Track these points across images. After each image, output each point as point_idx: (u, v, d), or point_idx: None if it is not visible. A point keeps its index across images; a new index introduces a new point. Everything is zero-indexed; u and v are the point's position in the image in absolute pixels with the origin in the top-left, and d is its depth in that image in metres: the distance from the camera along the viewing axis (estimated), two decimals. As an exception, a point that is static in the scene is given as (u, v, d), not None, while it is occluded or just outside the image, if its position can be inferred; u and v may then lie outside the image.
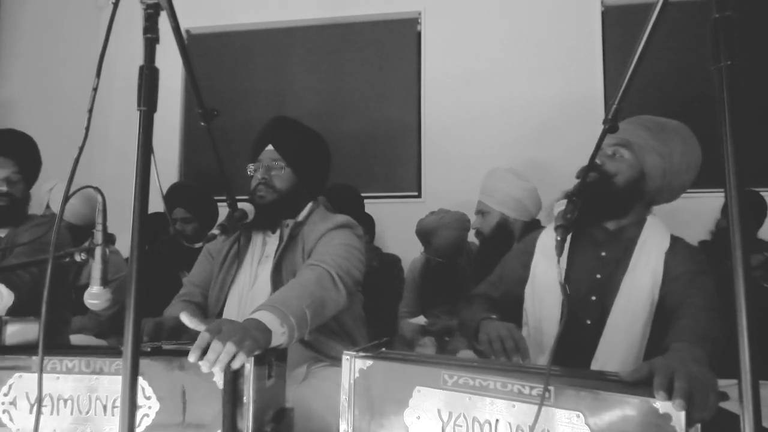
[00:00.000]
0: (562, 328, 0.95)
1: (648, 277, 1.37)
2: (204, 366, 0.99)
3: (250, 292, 1.59)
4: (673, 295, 1.34)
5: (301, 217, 1.67)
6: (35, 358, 1.06)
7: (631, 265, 1.40)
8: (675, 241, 1.44)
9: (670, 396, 0.77)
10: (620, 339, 1.34)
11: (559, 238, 1.18)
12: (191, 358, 0.99)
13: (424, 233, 2.74)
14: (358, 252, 1.58)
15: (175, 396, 1.02)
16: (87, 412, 1.04)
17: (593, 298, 1.42)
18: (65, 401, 1.04)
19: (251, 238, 1.68)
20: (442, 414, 0.93)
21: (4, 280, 1.67)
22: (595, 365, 1.33)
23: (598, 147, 1.16)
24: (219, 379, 1.01)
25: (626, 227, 1.48)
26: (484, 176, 2.49)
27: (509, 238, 2.31)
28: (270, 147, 1.66)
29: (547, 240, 1.56)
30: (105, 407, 1.04)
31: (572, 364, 1.11)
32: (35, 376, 1.04)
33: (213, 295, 1.65)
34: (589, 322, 1.40)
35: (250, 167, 1.67)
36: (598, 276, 1.43)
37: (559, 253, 1.15)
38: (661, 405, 0.78)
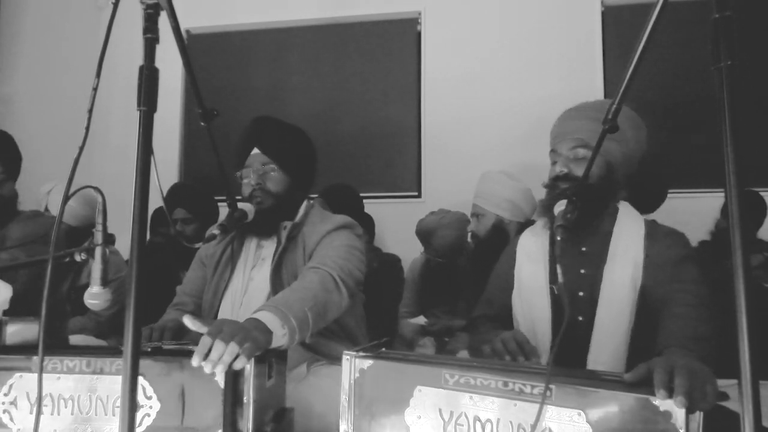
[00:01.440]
0: (565, 327, 0.95)
1: (629, 267, 1.37)
2: (207, 366, 0.99)
3: (244, 296, 1.58)
4: (659, 286, 1.33)
5: (297, 217, 1.66)
6: (35, 358, 1.06)
7: (610, 256, 1.40)
8: (650, 226, 1.44)
9: (670, 394, 0.77)
10: (609, 332, 1.34)
11: (559, 238, 1.18)
12: (194, 362, 0.99)
13: (424, 233, 2.74)
14: (358, 252, 1.58)
15: (179, 395, 1.02)
16: (88, 412, 1.04)
17: (581, 294, 1.41)
18: (66, 401, 1.04)
19: (244, 243, 1.67)
20: (443, 413, 0.93)
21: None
22: (590, 360, 1.33)
23: (598, 147, 1.16)
24: (221, 379, 1.01)
25: (602, 220, 1.47)
26: (478, 180, 2.49)
27: (504, 240, 2.32)
28: (256, 150, 1.62)
29: (526, 243, 1.56)
30: (106, 407, 1.04)
31: (569, 362, 1.11)
32: (35, 376, 1.04)
33: (207, 300, 1.64)
34: (581, 318, 1.39)
35: (239, 174, 1.64)
36: (583, 271, 1.43)
37: (559, 253, 1.15)
38: (661, 402, 0.78)
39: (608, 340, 1.34)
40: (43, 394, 1.04)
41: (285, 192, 1.63)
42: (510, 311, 1.52)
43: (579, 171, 1.42)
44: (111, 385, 1.04)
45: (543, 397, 0.84)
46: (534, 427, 0.84)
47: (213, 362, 0.99)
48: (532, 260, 1.50)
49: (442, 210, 2.76)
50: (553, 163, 1.49)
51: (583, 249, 1.45)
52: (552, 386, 0.85)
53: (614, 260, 1.39)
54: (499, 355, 1.21)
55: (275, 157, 1.62)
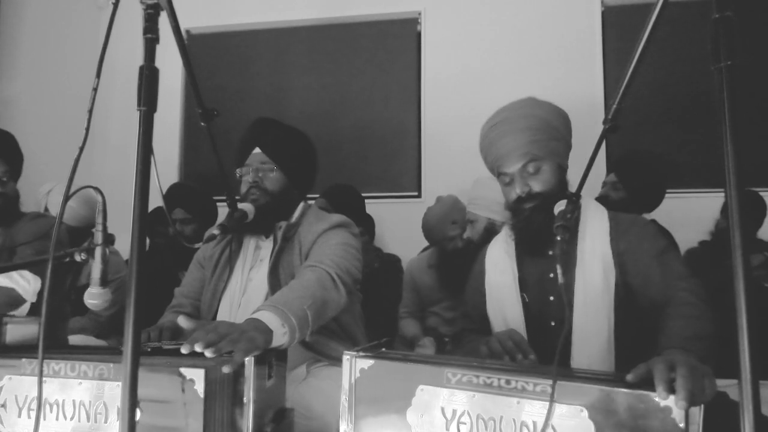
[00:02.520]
0: (566, 329, 0.95)
1: (599, 266, 1.35)
2: (198, 347, 0.97)
3: (243, 297, 1.59)
4: (650, 285, 1.31)
5: (293, 218, 1.66)
6: (25, 360, 1.05)
7: (579, 257, 1.38)
8: (614, 217, 1.42)
9: (671, 392, 0.78)
10: (590, 335, 1.32)
11: (559, 238, 1.18)
12: (184, 349, 0.98)
13: (437, 222, 2.66)
14: (355, 251, 1.58)
15: (160, 401, 0.99)
16: (71, 418, 1.02)
17: (551, 298, 1.40)
18: (51, 406, 1.03)
19: (242, 244, 1.67)
20: (445, 412, 0.93)
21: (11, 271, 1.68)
22: (574, 364, 1.32)
23: (598, 148, 1.16)
24: (200, 388, 0.98)
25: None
26: (470, 187, 2.49)
27: None
28: (257, 150, 1.64)
29: (492, 253, 1.55)
30: (89, 413, 1.02)
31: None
32: (25, 378, 1.04)
33: (205, 302, 1.64)
34: (553, 323, 1.38)
35: (239, 171, 1.66)
36: (551, 275, 1.41)
37: (560, 253, 1.15)
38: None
39: (590, 342, 1.32)
40: (30, 397, 1.03)
41: (281, 192, 1.63)
42: (489, 322, 1.51)
43: (537, 186, 1.41)
44: (95, 390, 1.02)
45: (551, 398, 0.84)
46: (544, 427, 0.84)
47: (204, 341, 0.97)
48: (499, 271, 1.50)
49: (438, 199, 2.72)
50: (507, 183, 1.47)
51: (550, 252, 1.42)
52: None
53: (584, 261, 1.37)
54: (496, 354, 1.21)
55: (275, 157, 1.63)
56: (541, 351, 1.19)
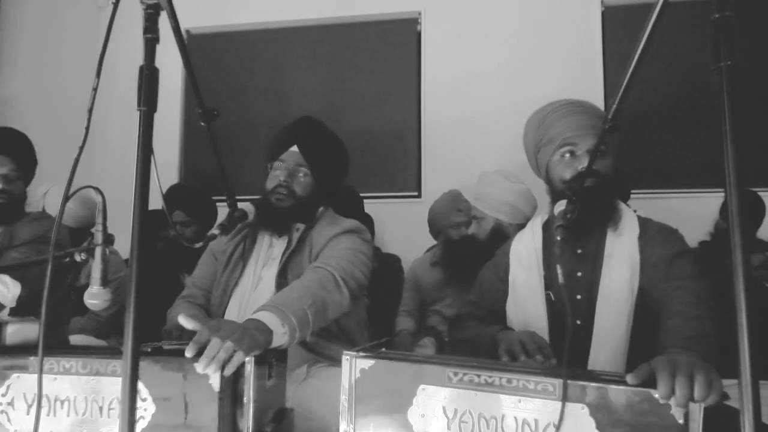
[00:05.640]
0: (570, 330, 0.95)
1: (626, 269, 1.34)
2: (199, 366, 0.98)
3: (253, 294, 1.58)
4: (656, 286, 1.32)
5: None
6: (33, 359, 1.06)
7: (606, 257, 1.38)
8: (644, 223, 1.42)
9: (673, 393, 0.78)
10: (609, 335, 1.32)
11: (559, 238, 1.18)
12: (188, 353, 0.99)
13: (442, 208, 2.61)
14: (364, 257, 1.57)
15: (173, 398, 1.01)
16: (84, 414, 1.03)
17: (579, 297, 1.39)
18: (62, 402, 1.04)
19: (257, 240, 1.67)
20: (447, 411, 0.93)
21: (8, 272, 1.67)
22: (590, 363, 1.32)
23: (597, 148, 1.16)
24: (215, 382, 1.00)
25: (599, 220, 1.43)
26: (477, 181, 2.47)
27: (504, 242, 2.29)
28: (295, 149, 1.62)
29: (519, 249, 1.53)
30: (101, 409, 1.03)
31: (569, 366, 1.11)
32: (33, 376, 1.04)
33: (216, 296, 1.64)
34: (579, 322, 1.38)
35: (270, 165, 1.64)
36: (579, 274, 1.41)
37: (559, 254, 1.15)
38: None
39: (608, 342, 1.32)
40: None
41: (308, 197, 1.63)
42: (496, 317, 1.50)
43: (601, 167, 1.38)
44: (108, 386, 1.04)
45: (563, 398, 0.84)
46: (558, 427, 0.84)
47: (208, 358, 0.98)
48: (524, 266, 1.49)
49: (442, 195, 2.71)
50: (565, 156, 1.43)
51: (579, 251, 1.43)
52: (556, 382, 0.86)
53: (610, 262, 1.37)
54: (515, 357, 1.20)
55: (311, 161, 1.62)
56: (563, 349, 1.18)
